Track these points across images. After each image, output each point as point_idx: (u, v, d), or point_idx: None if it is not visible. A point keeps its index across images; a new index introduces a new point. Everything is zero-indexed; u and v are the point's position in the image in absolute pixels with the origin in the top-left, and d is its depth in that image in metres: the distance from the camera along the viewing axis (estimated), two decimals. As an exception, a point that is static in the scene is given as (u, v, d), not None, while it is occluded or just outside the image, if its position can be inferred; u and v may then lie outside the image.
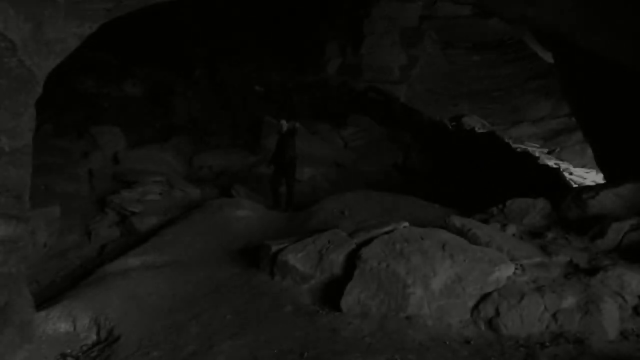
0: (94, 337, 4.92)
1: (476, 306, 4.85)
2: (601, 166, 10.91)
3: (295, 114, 15.52)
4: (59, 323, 4.88)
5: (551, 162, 16.93)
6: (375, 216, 7.42)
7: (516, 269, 5.20)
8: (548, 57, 18.14)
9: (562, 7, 7.30)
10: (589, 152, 14.02)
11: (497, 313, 4.69)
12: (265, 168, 9.84)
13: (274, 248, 6.05)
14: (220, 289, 5.74)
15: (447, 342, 4.48)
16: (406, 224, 6.16)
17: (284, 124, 9.36)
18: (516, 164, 13.36)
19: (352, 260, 5.43)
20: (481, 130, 18.38)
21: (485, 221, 6.90)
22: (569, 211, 6.86)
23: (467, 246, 5.40)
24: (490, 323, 4.69)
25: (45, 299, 5.44)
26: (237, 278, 6.01)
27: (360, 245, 5.64)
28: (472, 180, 12.03)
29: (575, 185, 13.10)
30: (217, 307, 5.28)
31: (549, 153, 19.04)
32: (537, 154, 17.33)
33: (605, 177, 10.72)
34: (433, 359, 4.22)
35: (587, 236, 6.15)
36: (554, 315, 4.59)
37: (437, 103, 21.92)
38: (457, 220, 6.15)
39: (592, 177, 15.62)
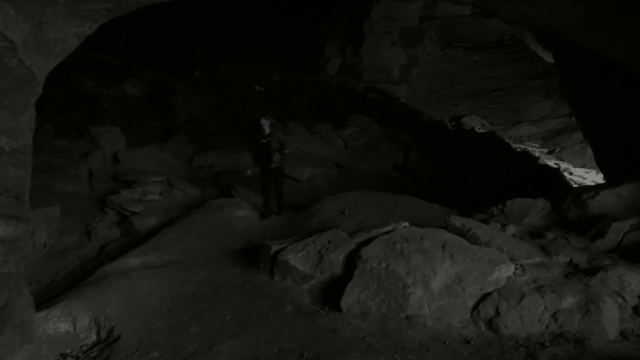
0: (94, 337, 4.91)
1: (476, 306, 4.85)
2: (601, 166, 10.91)
3: (295, 114, 15.55)
4: (59, 323, 4.87)
5: (551, 162, 16.94)
6: (375, 216, 7.42)
7: (516, 269, 5.20)
8: (548, 57, 18.18)
9: (562, 7, 7.30)
10: (589, 152, 14.05)
11: (497, 313, 4.69)
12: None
13: (274, 248, 6.05)
14: (220, 289, 5.75)
15: (447, 342, 4.48)
16: (406, 224, 6.16)
17: (266, 124, 8.10)
18: (516, 164, 13.36)
19: (352, 260, 5.43)
20: (481, 130, 18.40)
21: (485, 221, 6.90)
22: (569, 211, 6.87)
23: (467, 246, 5.40)
24: (490, 323, 4.69)
25: (45, 299, 5.43)
26: (237, 278, 6.01)
27: (360, 245, 5.64)
28: (472, 180, 12.04)
29: (575, 185, 13.11)
30: (217, 307, 5.29)
31: (549, 153, 19.06)
32: (537, 154, 17.34)
33: (605, 177, 10.72)
34: (433, 359, 4.22)
35: (587, 236, 6.15)
36: (554, 315, 4.59)
37: (437, 103, 21.95)
38: (457, 220, 6.15)
39: (592, 177, 15.65)
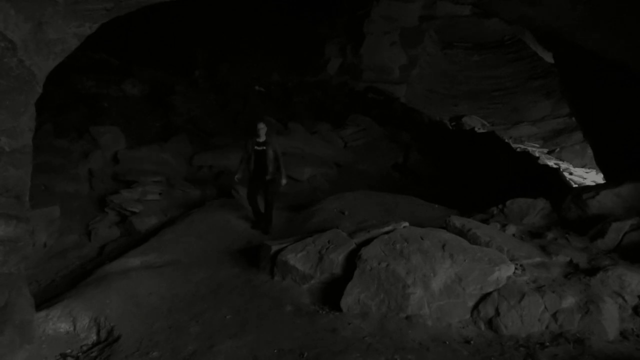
0: (94, 337, 4.91)
1: (476, 306, 4.85)
2: (601, 166, 10.91)
3: (295, 113, 15.56)
4: (59, 323, 4.87)
5: (551, 162, 16.95)
6: (375, 216, 7.42)
7: (516, 269, 5.20)
8: (548, 57, 18.21)
9: (562, 7, 7.30)
10: (589, 152, 14.07)
11: (497, 313, 4.69)
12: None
13: (274, 248, 6.05)
14: (220, 289, 5.74)
15: (447, 342, 4.48)
16: (406, 224, 6.16)
17: (262, 130, 7.41)
18: (516, 164, 13.36)
19: (352, 260, 5.43)
20: (481, 130, 18.41)
21: (485, 221, 6.90)
22: (569, 211, 6.87)
23: (467, 246, 5.40)
24: (490, 323, 4.69)
25: (45, 299, 5.43)
26: (237, 278, 6.01)
27: (360, 245, 5.64)
28: (472, 180, 12.04)
29: (575, 185, 13.11)
30: (217, 307, 5.28)
31: (549, 153, 19.07)
32: (537, 154, 17.35)
33: (605, 177, 10.73)
34: (433, 359, 4.22)
35: (587, 236, 6.15)
36: (554, 315, 4.59)
37: (437, 103, 21.97)
38: (457, 220, 6.15)
39: (592, 177, 15.66)
